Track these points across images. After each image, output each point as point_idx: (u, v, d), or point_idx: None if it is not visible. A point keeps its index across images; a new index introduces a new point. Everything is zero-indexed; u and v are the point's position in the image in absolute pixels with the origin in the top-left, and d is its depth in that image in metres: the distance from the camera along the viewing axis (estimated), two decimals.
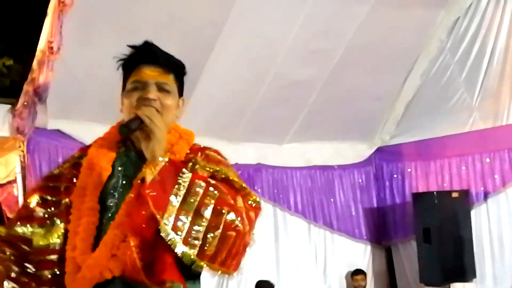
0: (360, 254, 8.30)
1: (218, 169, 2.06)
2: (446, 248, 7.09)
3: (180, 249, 1.84)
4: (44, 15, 5.36)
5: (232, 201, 1.95)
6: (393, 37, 6.91)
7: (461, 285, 7.35)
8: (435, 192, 7.42)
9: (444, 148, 7.81)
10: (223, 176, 2.04)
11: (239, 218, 1.92)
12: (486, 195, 7.48)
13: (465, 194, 7.38)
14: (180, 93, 2.19)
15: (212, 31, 5.94)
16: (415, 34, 7.16)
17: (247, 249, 2.03)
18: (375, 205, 8.47)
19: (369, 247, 8.36)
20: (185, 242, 1.85)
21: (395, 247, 8.36)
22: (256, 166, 7.63)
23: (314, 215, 8.04)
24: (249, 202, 2.03)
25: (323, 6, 6.22)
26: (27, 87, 5.60)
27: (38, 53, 5.46)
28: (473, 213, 7.38)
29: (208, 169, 2.05)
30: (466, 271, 7.13)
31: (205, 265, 1.90)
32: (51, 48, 5.33)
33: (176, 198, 1.88)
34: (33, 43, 5.55)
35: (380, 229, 8.41)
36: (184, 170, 1.94)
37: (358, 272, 7.87)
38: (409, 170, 8.19)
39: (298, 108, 7.34)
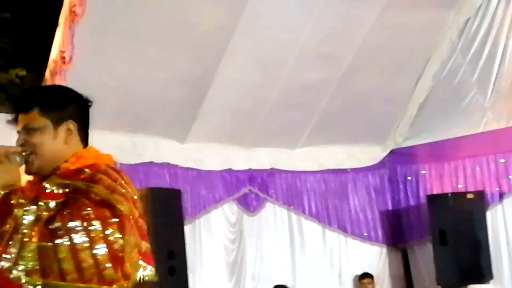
0: (375, 257, 8.26)
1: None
2: (463, 250, 7.06)
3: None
4: (55, 25, 5.41)
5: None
6: (403, 39, 6.89)
7: (478, 286, 7.31)
8: (450, 194, 7.40)
9: (458, 149, 7.77)
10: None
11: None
12: (501, 196, 7.45)
13: (480, 195, 7.34)
14: (60, 120, 2.21)
15: (223, 36, 5.96)
16: (426, 35, 7.14)
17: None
18: (390, 208, 8.43)
19: (384, 250, 8.33)
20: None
21: (411, 250, 8.32)
22: (269, 171, 7.63)
23: (329, 219, 8.02)
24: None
25: (333, 10, 6.22)
26: None
27: (50, 63, 5.50)
28: (488, 214, 7.34)
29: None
30: (483, 272, 7.09)
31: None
32: (63, 58, 5.36)
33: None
34: (45, 53, 5.60)
35: (396, 232, 8.37)
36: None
37: (365, 275, 7.83)
38: (423, 172, 8.16)
39: (310, 112, 7.33)
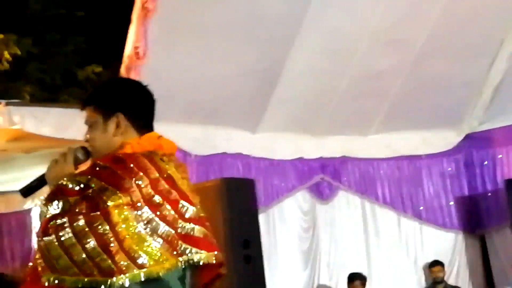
0: (451, 244, 8.13)
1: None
2: None
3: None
4: (129, 21, 5.55)
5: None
6: (476, 22, 6.73)
7: None
8: None
9: None
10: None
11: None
12: None
13: None
14: (109, 114, 2.27)
15: (291, 27, 5.98)
16: (499, 16, 6.94)
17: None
18: (466, 194, 8.27)
19: (461, 237, 8.18)
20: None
21: (489, 236, 8.14)
22: (341, 159, 7.61)
23: (404, 206, 7.94)
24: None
25: None
26: None
27: (125, 59, 5.66)
28: None
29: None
30: None
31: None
32: (137, 53, 5.51)
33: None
34: (119, 49, 5.75)
35: (473, 218, 8.21)
36: None
37: (435, 263, 7.70)
38: (500, 156, 7.97)
39: (382, 99, 7.26)
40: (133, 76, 5.67)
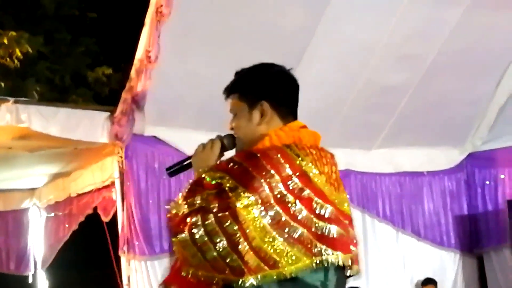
0: (449, 263, 8.12)
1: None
2: None
3: None
4: (141, 25, 5.56)
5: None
6: (487, 40, 6.75)
7: None
8: None
9: None
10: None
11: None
12: None
13: None
14: (255, 101, 2.29)
15: (303, 37, 5.99)
16: (509, 37, 6.98)
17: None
18: (466, 213, 8.27)
19: (458, 255, 8.18)
20: None
21: (487, 256, 8.13)
22: (344, 171, 7.58)
23: (403, 222, 7.93)
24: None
25: (416, 10, 6.15)
26: (125, 95, 5.81)
27: (136, 62, 5.66)
28: None
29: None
30: None
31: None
32: (149, 57, 5.51)
33: None
34: (131, 52, 5.76)
35: (472, 237, 8.21)
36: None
37: (428, 281, 7.68)
38: (502, 176, 7.98)
39: (388, 113, 7.27)
40: (143, 79, 5.68)
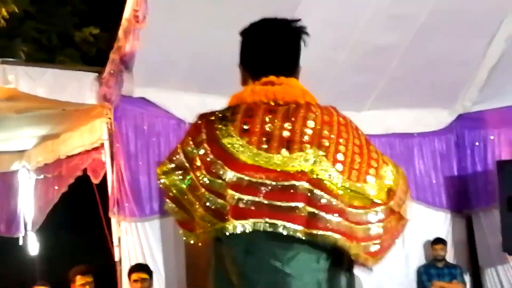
0: (440, 223, 8.19)
1: None
2: None
3: None
4: None
5: None
6: (477, 1, 6.70)
7: None
8: None
9: None
10: None
11: None
12: None
13: None
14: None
15: None
16: None
17: None
18: (456, 174, 8.32)
19: (449, 216, 8.24)
20: None
21: (476, 216, 8.21)
22: None
23: None
24: None
25: None
26: (113, 56, 5.74)
27: (123, 22, 5.57)
28: None
29: None
30: None
31: None
32: (137, 16, 5.43)
33: None
34: (118, 12, 5.67)
35: (461, 198, 8.27)
36: None
37: (438, 241, 7.79)
38: (491, 137, 8.01)
39: (378, 75, 7.24)
40: (131, 40, 5.60)
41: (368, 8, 6.33)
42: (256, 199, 1.99)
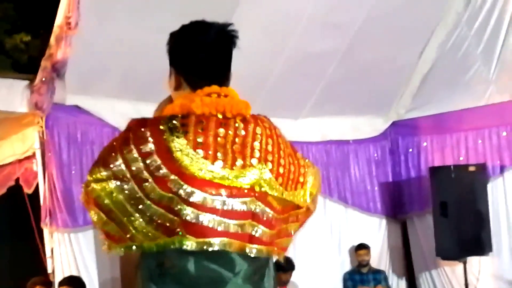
0: (375, 228, 8.31)
1: None
2: (463, 222, 7.09)
3: None
4: None
5: None
6: (410, 9, 6.83)
7: (478, 258, 7.37)
8: (452, 166, 7.41)
9: (460, 122, 7.78)
10: None
11: None
12: (502, 169, 7.48)
13: (482, 168, 7.36)
14: (170, 65, 2.24)
15: (229, 6, 5.90)
16: (432, 6, 7.08)
17: None
18: (391, 179, 8.47)
19: (384, 221, 8.38)
20: None
21: (410, 221, 8.36)
22: None
23: (330, 189, 8.05)
24: None
25: None
26: (45, 63, 5.61)
27: (55, 29, 5.46)
28: (489, 186, 7.37)
29: None
30: (483, 245, 7.14)
31: None
32: (69, 23, 5.32)
33: None
34: (50, 18, 5.55)
35: (396, 203, 8.42)
36: None
37: (362, 247, 7.87)
38: (424, 144, 8.17)
39: (314, 82, 7.30)
40: (63, 47, 5.48)
41: (304, 15, 6.37)
42: (214, 217, 1.97)
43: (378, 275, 7.92)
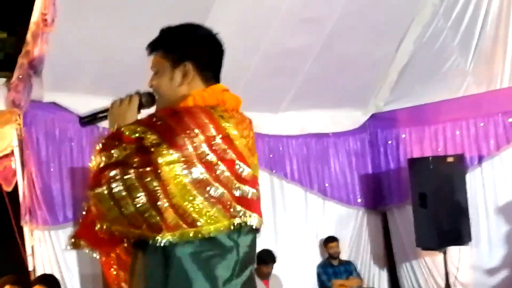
0: (354, 220, 8.37)
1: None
2: (442, 212, 7.16)
3: None
4: None
5: None
6: (386, 3, 6.88)
7: (457, 248, 7.45)
8: (430, 157, 7.47)
9: (438, 113, 7.84)
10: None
11: None
12: (480, 159, 7.54)
13: (460, 158, 7.42)
14: (179, 60, 2.26)
15: (205, 2, 5.90)
16: None
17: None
18: (370, 171, 8.53)
19: (364, 213, 8.43)
20: None
21: (390, 213, 8.43)
22: None
23: (310, 182, 8.09)
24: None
25: None
26: (21, 60, 5.58)
27: (32, 26, 5.43)
28: (468, 177, 7.43)
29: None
30: (462, 235, 7.21)
31: None
32: (45, 20, 5.29)
33: None
34: (26, 15, 5.52)
35: (375, 195, 8.48)
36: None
37: (332, 239, 7.91)
38: (403, 136, 8.23)
39: (293, 77, 7.33)
40: (39, 44, 5.46)
41: (279, 11, 6.40)
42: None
43: (349, 266, 7.98)
